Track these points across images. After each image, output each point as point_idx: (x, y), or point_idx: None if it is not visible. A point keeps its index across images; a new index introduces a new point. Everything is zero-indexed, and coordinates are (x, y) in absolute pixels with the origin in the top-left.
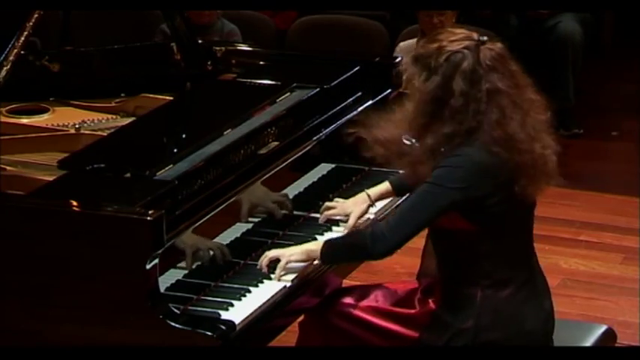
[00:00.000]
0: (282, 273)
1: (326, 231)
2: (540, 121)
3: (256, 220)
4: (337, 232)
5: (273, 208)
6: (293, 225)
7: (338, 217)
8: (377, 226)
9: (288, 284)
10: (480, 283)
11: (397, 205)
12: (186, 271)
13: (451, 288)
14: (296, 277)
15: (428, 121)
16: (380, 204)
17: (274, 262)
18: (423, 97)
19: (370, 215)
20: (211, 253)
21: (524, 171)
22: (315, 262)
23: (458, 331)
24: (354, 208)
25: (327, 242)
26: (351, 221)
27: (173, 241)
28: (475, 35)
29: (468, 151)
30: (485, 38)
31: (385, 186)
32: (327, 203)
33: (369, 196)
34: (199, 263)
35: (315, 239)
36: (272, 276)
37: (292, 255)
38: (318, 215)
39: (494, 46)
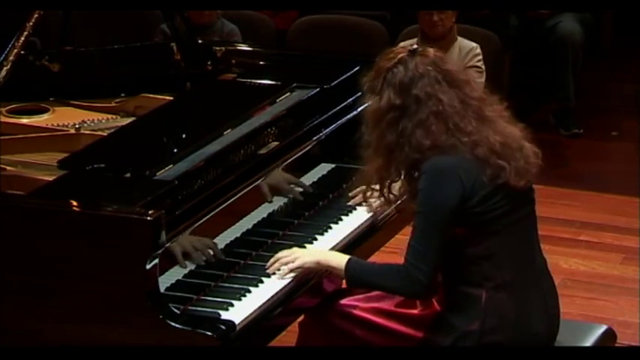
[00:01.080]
0: (289, 275)
1: (326, 231)
2: (492, 110)
3: (256, 220)
4: (337, 229)
5: (295, 192)
6: (293, 225)
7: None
8: (408, 269)
9: (288, 284)
10: (484, 285)
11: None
12: (186, 271)
13: (454, 289)
14: (296, 277)
15: (389, 141)
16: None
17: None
18: (372, 117)
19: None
20: (198, 252)
21: (484, 160)
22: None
23: (463, 333)
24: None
25: (354, 271)
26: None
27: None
28: (408, 47)
29: (430, 162)
30: (415, 47)
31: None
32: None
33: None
34: (195, 262)
35: (315, 239)
36: (273, 275)
37: (306, 263)
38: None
39: (427, 52)
